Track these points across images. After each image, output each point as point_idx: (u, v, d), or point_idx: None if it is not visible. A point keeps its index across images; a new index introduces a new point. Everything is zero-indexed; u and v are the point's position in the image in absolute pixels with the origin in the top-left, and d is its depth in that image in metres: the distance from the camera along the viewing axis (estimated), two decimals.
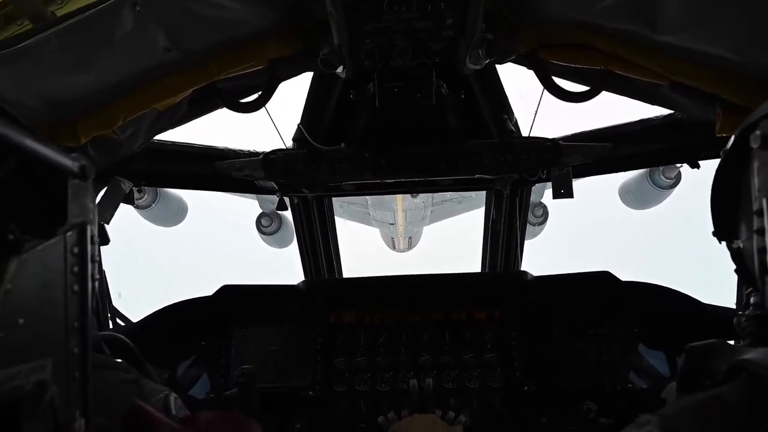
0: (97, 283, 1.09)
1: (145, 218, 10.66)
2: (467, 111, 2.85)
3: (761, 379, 1.08)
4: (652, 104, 2.51)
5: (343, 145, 2.94)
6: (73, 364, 1.00)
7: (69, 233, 1.00)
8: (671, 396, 1.59)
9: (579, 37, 2.11)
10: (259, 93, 2.41)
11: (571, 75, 2.45)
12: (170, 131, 2.66)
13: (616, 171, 3.42)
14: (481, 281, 3.63)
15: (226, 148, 3.23)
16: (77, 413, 0.99)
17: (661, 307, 2.96)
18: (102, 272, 3.14)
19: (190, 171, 3.24)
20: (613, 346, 2.90)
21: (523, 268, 3.81)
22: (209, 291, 3.19)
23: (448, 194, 17.55)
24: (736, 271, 1.46)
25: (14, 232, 0.90)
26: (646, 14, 1.83)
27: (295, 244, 3.98)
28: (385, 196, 16.90)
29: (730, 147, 1.38)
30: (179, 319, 3.11)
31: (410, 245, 21.83)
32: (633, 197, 10.74)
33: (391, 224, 19.33)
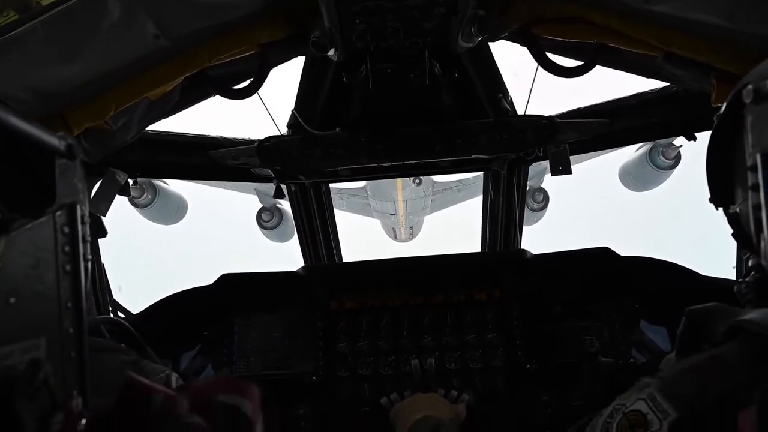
0: (89, 264, 1.08)
1: (145, 217, 10.65)
2: (461, 91, 2.84)
3: (760, 338, 1.08)
4: (647, 77, 2.50)
5: (338, 129, 2.92)
6: (69, 344, 1.00)
7: (58, 213, 0.99)
8: (669, 367, 1.60)
9: (571, 11, 2.09)
10: (252, 79, 2.40)
11: (565, 50, 2.44)
12: (164, 121, 2.66)
13: (613, 147, 3.42)
14: (481, 260, 3.62)
15: (221, 136, 3.21)
16: (74, 393, 0.99)
17: (661, 281, 2.95)
18: (101, 265, 3.14)
19: (185, 161, 3.23)
20: (614, 323, 2.91)
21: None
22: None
23: (449, 183, 17.57)
24: (733, 235, 1.45)
25: (2, 211, 0.90)
26: None
27: (296, 238, 3.98)
28: (385, 186, 16.93)
29: (724, 110, 1.37)
30: (180, 310, 3.11)
31: (412, 235, 21.86)
32: (633, 179, 10.74)
33: (392, 214, 19.35)
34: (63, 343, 0.99)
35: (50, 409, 0.90)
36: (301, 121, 2.86)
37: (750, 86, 1.21)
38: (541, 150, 3.03)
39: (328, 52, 2.28)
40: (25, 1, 1.93)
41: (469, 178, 16.36)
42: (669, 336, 2.94)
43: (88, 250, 1.07)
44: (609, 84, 3.43)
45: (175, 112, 2.59)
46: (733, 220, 1.43)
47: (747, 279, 1.46)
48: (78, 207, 1.03)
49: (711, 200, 1.52)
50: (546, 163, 3.14)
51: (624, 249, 3.07)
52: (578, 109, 3.13)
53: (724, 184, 1.44)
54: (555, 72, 2.38)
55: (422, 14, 2.12)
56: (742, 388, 1.03)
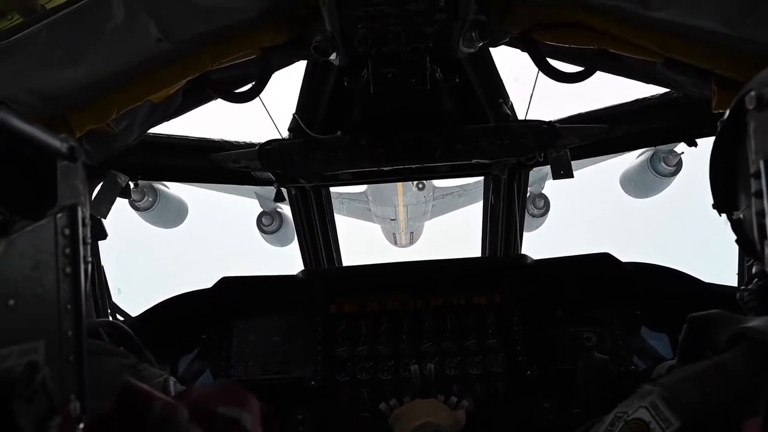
0: (90, 266, 1.08)
1: (146, 220, 10.66)
2: (462, 96, 2.84)
3: (764, 345, 1.07)
4: (647, 83, 2.50)
5: (339, 133, 2.93)
6: (67, 347, 0.99)
7: (59, 215, 0.99)
8: (665, 374, 1.58)
9: (572, 16, 2.10)
10: (253, 83, 2.40)
11: (565, 56, 2.44)
12: (165, 124, 2.66)
13: (614, 152, 3.42)
14: (481, 265, 3.61)
15: (222, 140, 3.21)
16: (72, 396, 0.98)
17: (662, 288, 2.94)
18: (101, 268, 3.13)
19: (186, 164, 3.23)
20: (615, 329, 2.89)
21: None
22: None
23: (449, 188, 17.58)
24: (737, 241, 1.45)
25: (2, 213, 0.90)
26: None
27: (296, 242, 3.97)
28: (386, 191, 16.95)
29: (727, 117, 1.37)
30: (179, 313, 3.10)
31: (412, 240, 21.86)
32: (634, 186, 10.74)
33: (392, 220, 19.35)
34: (62, 345, 0.98)
35: (48, 413, 0.89)
36: (303, 125, 2.87)
37: (753, 93, 1.21)
38: (542, 155, 3.03)
39: (329, 56, 2.29)
40: (30, 4, 1.94)
41: (469, 184, 16.38)
42: (670, 343, 2.93)
43: (89, 253, 1.06)
44: (609, 90, 3.44)
45: (178, 115, 2.59)
46: (736, 226, 1.42)
47: (750, 286, 1.45)
48: (79, 209, 1.02)
49: (714, 206, 1.51)
50: (547, 169, 3.14)
51: (625, 255, 3.07)
52: (579, 115, 3.13)
53: (727, 191, 1.43)
54: (555, 77, 2.38)
55: (423, 19, 2.13)
56: (746, 397, 1.03)
